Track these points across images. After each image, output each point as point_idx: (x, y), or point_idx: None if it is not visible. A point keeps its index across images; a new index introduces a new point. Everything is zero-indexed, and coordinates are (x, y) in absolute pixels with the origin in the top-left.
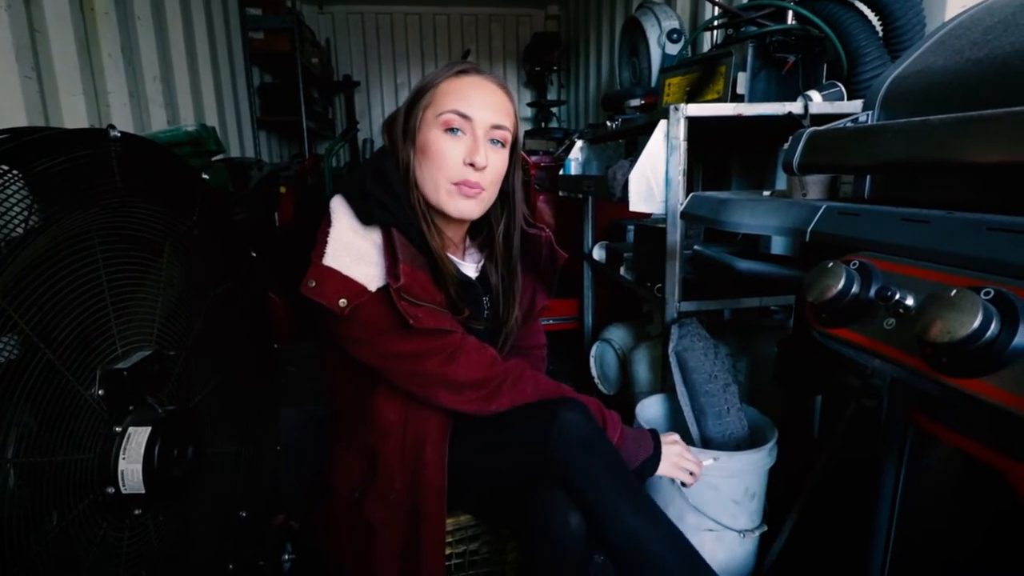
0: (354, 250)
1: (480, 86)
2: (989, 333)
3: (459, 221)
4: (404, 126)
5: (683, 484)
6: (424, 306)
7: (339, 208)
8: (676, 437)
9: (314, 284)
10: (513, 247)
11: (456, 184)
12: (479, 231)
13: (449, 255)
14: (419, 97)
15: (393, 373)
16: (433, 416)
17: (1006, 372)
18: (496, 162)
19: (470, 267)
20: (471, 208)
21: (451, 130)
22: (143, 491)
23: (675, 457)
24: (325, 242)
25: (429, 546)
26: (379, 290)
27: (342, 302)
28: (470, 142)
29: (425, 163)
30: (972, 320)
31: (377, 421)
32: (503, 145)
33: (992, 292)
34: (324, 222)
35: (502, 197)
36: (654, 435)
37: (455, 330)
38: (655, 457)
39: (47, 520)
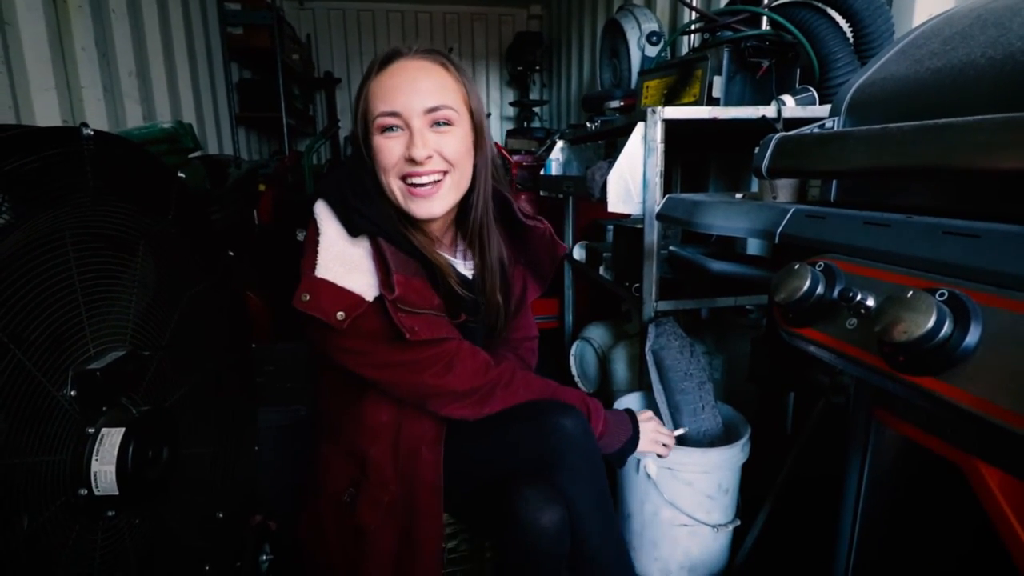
0: (347, 259)
1: (405, 71)
2: (942, 333)
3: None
4: (362, 138)
5: (659, 455)
6: (422, 315)
7: (324, 214)
8: (650, 414)
9: (308, 298)
10: (481, 224)
11: (405, 183)
12: (465, 221)
13: (444, 254)
14: (358, 105)
15: (388, 385)
16: (427, 418)
17: (957, 370)
18: (447, 143)
19: (466, 264)
20: (430, 207)
21: (388, 129)
22: (117, 492)
23: (652, 433)
24: (315, 252)
25: (425, 546)
26: (376, 299)
27: (340, 315)
28: (407, 136)
29: (380, 168)
30: (927, 320)
31: (367, 424)
32: (449, 124)
33: (946, 294)
34: (311, 230)
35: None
36: (631, 415)
37: (452, 336)
38: (635, 436)
39: (18, 522)
